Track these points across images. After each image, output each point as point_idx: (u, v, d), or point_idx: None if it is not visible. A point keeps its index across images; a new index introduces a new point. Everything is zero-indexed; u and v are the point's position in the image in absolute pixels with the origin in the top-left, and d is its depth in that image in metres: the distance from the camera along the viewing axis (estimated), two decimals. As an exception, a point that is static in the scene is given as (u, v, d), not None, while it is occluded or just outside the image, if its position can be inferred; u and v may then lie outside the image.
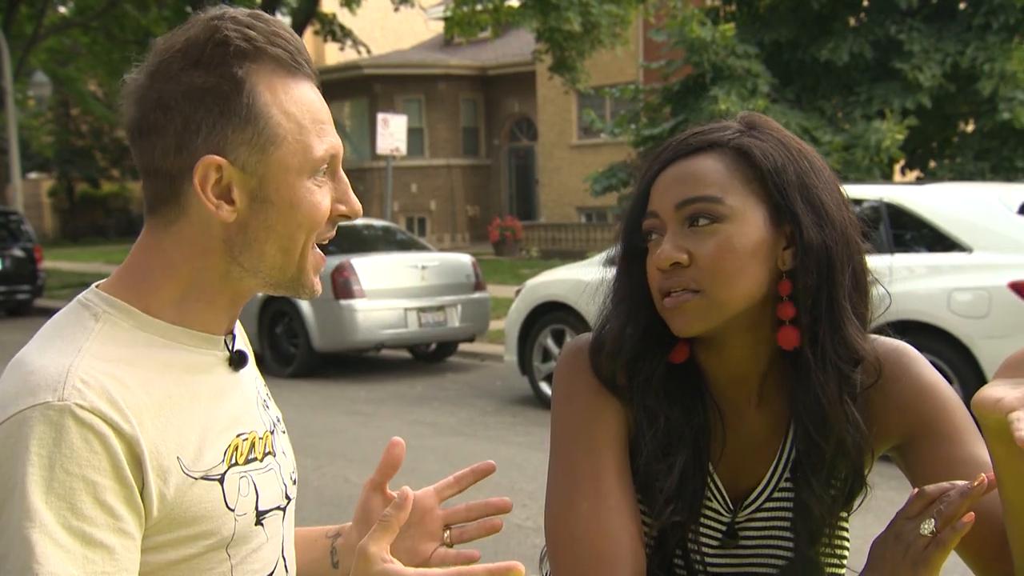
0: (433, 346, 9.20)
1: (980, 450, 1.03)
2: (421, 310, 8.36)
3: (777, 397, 1.08)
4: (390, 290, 8.19)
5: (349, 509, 4.45)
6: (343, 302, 7.99)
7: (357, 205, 0.98)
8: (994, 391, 0.87)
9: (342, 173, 0.98)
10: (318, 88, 0.98)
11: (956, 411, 1.06)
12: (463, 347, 9.34)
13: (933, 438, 1.05)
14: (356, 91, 22.19)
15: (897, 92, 11.26)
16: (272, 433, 1.04)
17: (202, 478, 0.92)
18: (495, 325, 9.56)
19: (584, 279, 6.84)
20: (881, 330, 1.11)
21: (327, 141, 0.95)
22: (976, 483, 0.93)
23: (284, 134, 0.93)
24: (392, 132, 11.82)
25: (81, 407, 0.85)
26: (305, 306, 8.12)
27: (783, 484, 1.08)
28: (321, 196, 0.95)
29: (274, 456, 1.03)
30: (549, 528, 1.03)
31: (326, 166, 0.95)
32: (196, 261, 0.96)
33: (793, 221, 1.02)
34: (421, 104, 23.13)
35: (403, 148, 12.08)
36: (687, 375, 1.08)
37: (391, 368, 8.85)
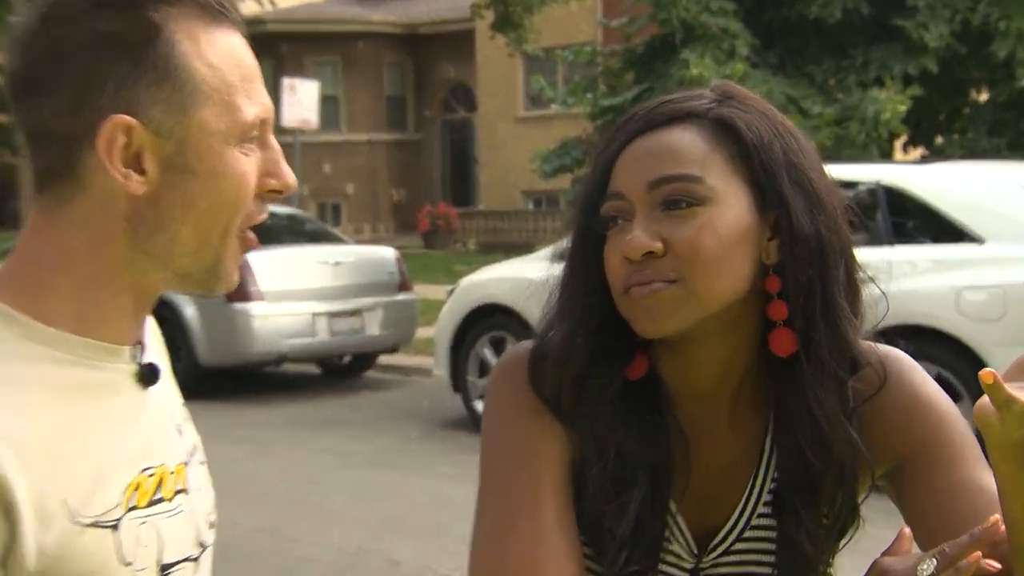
0: (347, 359, 9.18)
1: (984, 476, 1.05)
2: (333, 315, 8.33)
3: (752, 414, 1.10)
4: (295, 291, 8.15)
5: (237, 560, 4.35)
6: (236, 306, 7.93)
7: (291, 179, 0.98)
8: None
9: (274, 141, 0.98)
10: (246, 40, 0.98)
11: (957, 430, 1.08)
12: (383, 359, 9.33)
13: (929, 462, 1.06)
14: (258, 51, 21.49)
15: (898, 55, 11.47)
16: (187, 465, 1.02)
17: (92, 525, 0.89)
18: (423, 333, 9.53)
19: (530, 277, 6.70)
20: (872, 337, 1.12)
21: (258, 103, 0.95)
22: (989, 524, 0.93)
23: (209, 92, 0.92)
24: (301, 101, 11.75)
25: None
26: (189, 311, 8.02)
27: (757, 521, 1.09)
28: (250, 168, 0.95)
29: (187, 494, 1.01)
30: (473, 574, 1.04)
31: (256, 132, 0.95)
32: (97, 249, 0.93)
33: (781, 206, 1.03)
34: (337, 68, 23.03)
35: (314, 120, 11.98)
36: (646, 393, 1.09)
37: (295, 386, 8.85)
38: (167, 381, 1.04)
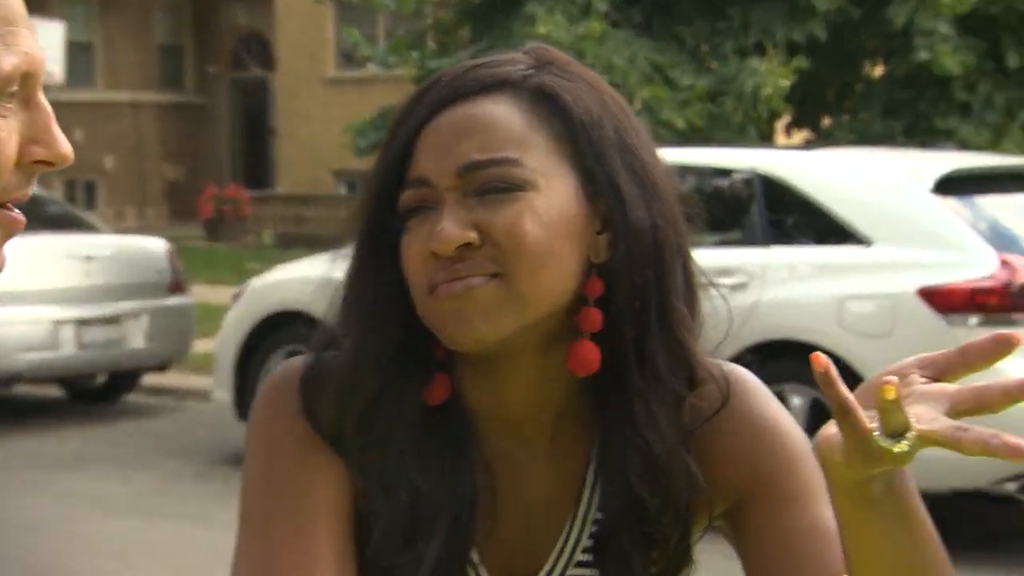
0: (101, 379, 9.02)
1: (831, 514, 1.09)
2: (82, 323, 8.19)
3: (574, 446, 1.13)
4: (31, 292, 7.94)
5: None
6: (-47, 311, 7.76)
7: (64, 148, 0.97)
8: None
9: (44, 101, 0.97)
10: None
11: (807, 463, 1.12)
12: (149, 380, 9.19)
13: (775, 500, 1.11)
14: (-12, -19, 21.31)
15: (782, 18, 11.95)
16: None
17: None
18: (201, 346, 9.36)
19: (338, 278, 6.83)
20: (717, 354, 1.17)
21: (17, 51, 0.94)
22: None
23: None
24: (42, 47, 11.35)
25: None
26: None
27: (574, 571, 1.12)
28: (6, 132, 0.93)
29: None
30: None
31: (15, 88, 0.94)
32: None
33: (614, 195, 1.07)
34: (91, 7, 22.40)
35: (58, 72, 11.58)
36: (447, 423, 1.10)
37: (31, 414, 8.67)
38: None
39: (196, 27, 23.86)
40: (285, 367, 1.12)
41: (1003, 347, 0.92)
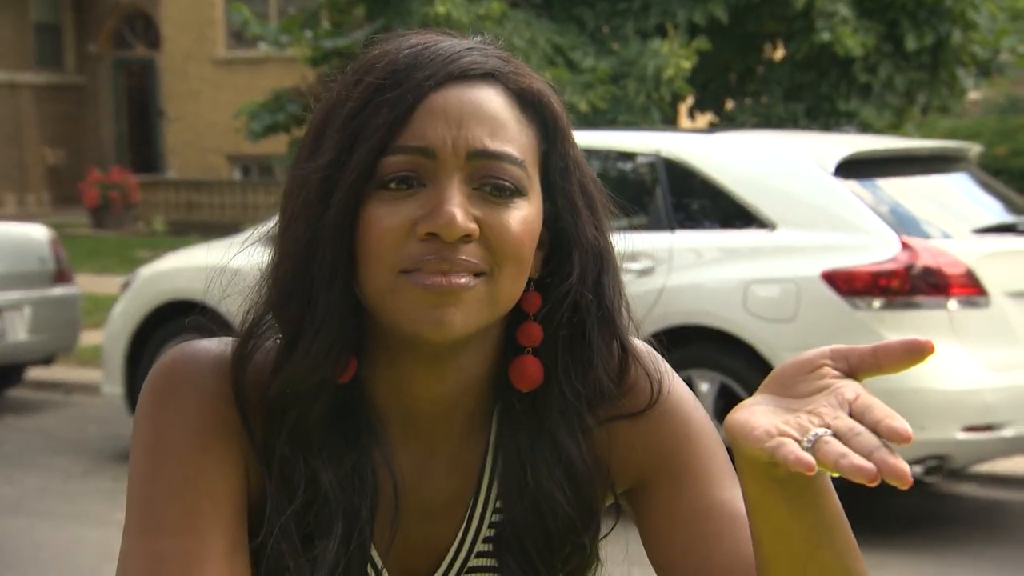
0: None
1: (738, 499, 1.12)
2: (-40, 317, 8.05)
3: (469, 440, 1.14)
4: None
5: None
6: None
7: None
8: (751, 416, 0.95)
9: None
10: None
11: (708, 444, 1.16)
12: (34, 374, 9.07)
13: (675, 481, 1.14)
14: None
15: (683, 1, 12.09)
16: None
17: None
18: (89, 338, 9.27)
19: (235, 266, 6.77)
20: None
21: None
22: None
23: None
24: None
25: None
26: None
27: (475, 561, 1.14)
28: None
29: None
30: None
31: None
32: None
33: (568, 209, 1.09)
34: (-33, -17, 21.82)
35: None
36: (351, 415, 1.10)
37: None
38: None
39: (75, 4, 23.36)
40: (174, 354, 1.10)
41: (915, 353, 0.94)
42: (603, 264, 1.10)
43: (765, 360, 5.43)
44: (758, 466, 0.96)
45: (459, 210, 1.01)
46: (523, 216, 1.04)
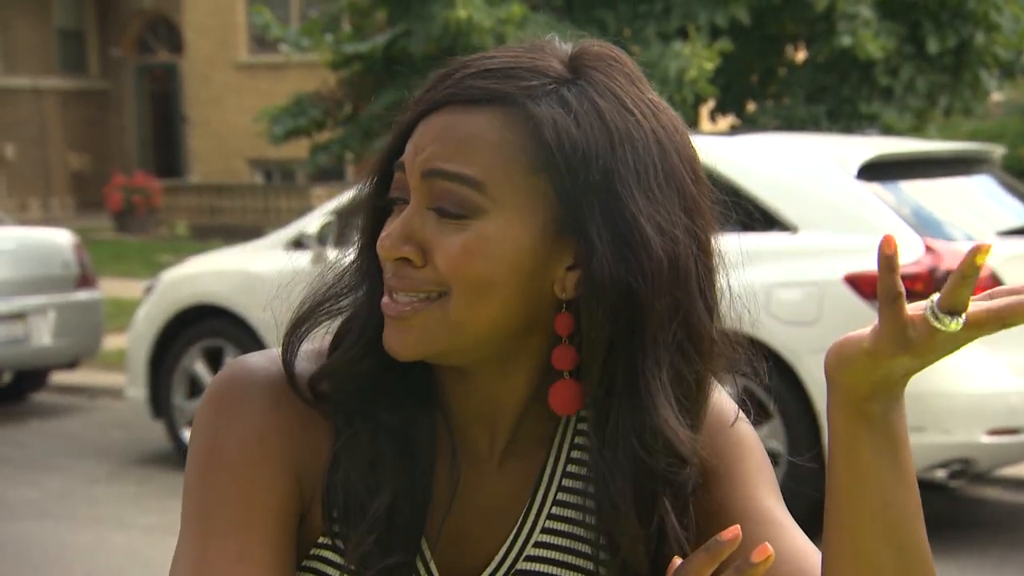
0: (7, 377, 8.96)
1: (775, 507, 1.16)
2: (-15, 320, 8.16)
3: (530, 446, 1.16)
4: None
5: None
6: None
7: None
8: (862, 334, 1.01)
9: None
10: None
11: (754, 451, 1.19)
12: (58, 378, 9.16)
13: (724, 484, 1.16)
14: None
15: (705, 2, 12.08)
16: None
17: None
18: (112, 343, 9.34)
19: (257, 270, 6.86)
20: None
21: None
22: (728, 536, 1.03)
23: None
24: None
25: None
26: None
27: (521, 567, 1.15)
28: None
29: None
30: None
31: None
32: None
33: (582, 241, 1.05)
34: (-9, -11, 22.01)
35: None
36: (414, 387, 1.13)
37: None
38: None
39: (98, 9, 23.52)
40: (231, 367, 1.14)
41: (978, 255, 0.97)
42: (633, 305, 1.04)
43: (787, 362, 5.41)
44: (853, 402, 1.01)
45: (395, 230, 1.06)
46: (474, 239, 1.04)
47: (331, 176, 18.23)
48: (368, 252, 1.11)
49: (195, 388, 6.98)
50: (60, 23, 23.13)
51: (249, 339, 6.73)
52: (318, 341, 1.15)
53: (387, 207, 1.10)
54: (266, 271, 6.77)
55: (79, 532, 5.78)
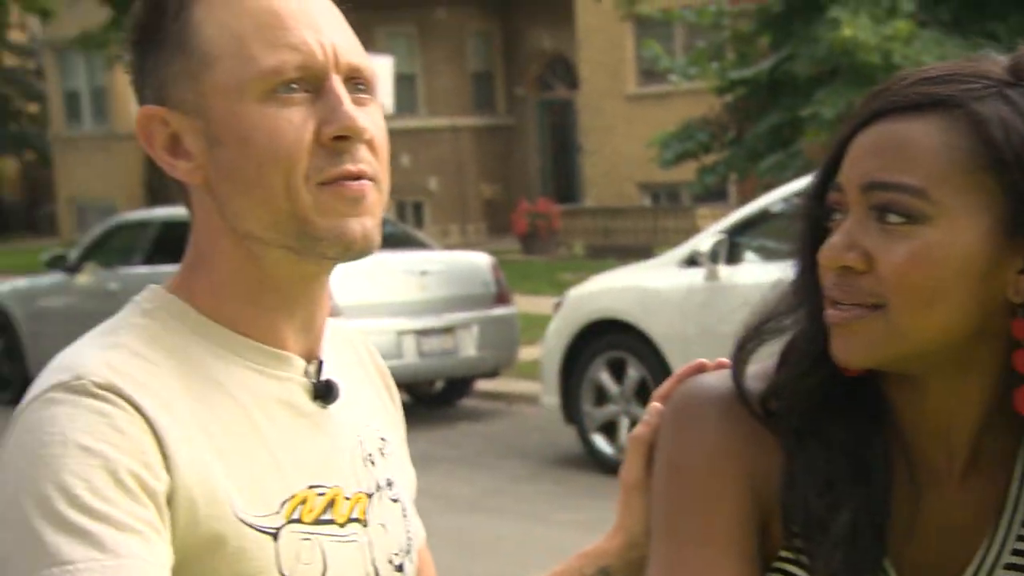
0: (439, 384, 9.32)
1: None
2: (421, 333, 8.47)
3: (993, 461, 1.09)
4: (377, 305, 8.30)
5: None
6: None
7: (349, 120, 1.03)
8: None
9: (333, 85, 1.04)
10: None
11: None
12: (482, 385, 9.46)
13: None
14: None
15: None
16: (370, 497, 1.13)
17: (251, 526, 1.01)
18: (527, 353, 9.58)
19: (653, 287, 6.93)
20: None
21: (284, 48, 1.03)
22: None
23: (217, 52, 1.04)
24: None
25: (98, 384, 0.98)
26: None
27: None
28: (287, 120, 1.03)
29: (364, 526, 1.11)
30: None
31: (295, 81, 1.03)
32: (214, 244, 1.08)
33: None
34: (412, 40, 23.25)
35: (389, 103, 12.12)
36: (864, 405, 1.09)
37: None
38: (366, 406, 1.20)
39: (505, 53, 24.40)
40: (689, 385, 1.14)
41: None
42: None
43: None
44: None
45: (837, 241, 1.02)
46: (922, 245, 0.99)
47: (715, 196, 18.13)
48: (807, 270, 1.08)
49: (601, 396, 7.08)
50: (473, 68, 24.08)
51: (649, 351, 6.77)
52: (764, 361, 1.13)
53: (824, 226, 1.06)
54: (662, 287, 6.82)
55: (508, 525, 5.96)
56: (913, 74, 1.05)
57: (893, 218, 1.00)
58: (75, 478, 0.94)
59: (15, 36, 28.63)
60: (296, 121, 1.02)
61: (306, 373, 1.11)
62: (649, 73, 20.96)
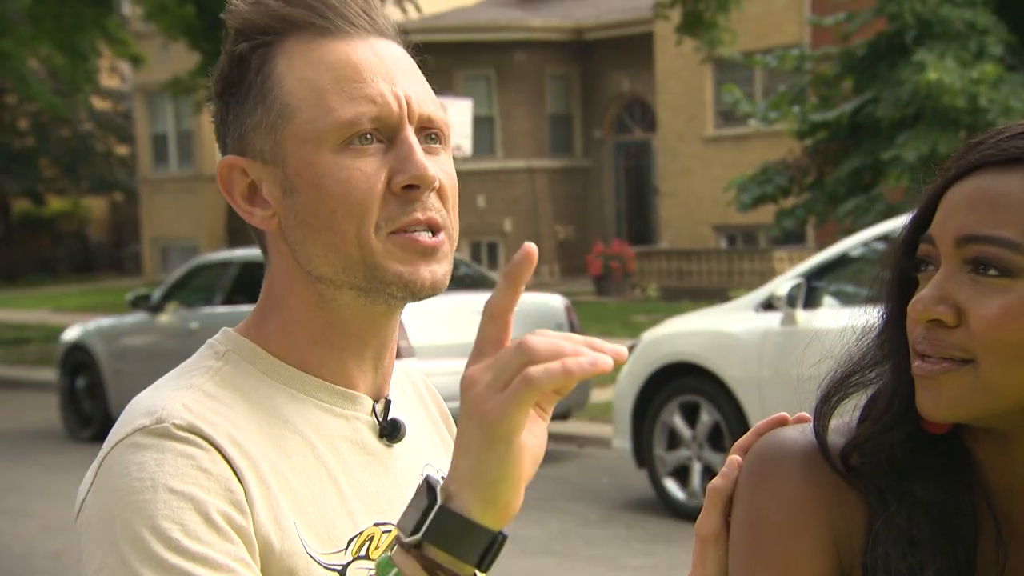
0: None
1: None
2: (493, 375, 8.48)
3: None
4: (450, 346, 8.25)
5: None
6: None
7: (419, 169, 1.07)
8: None
9: (406, 135, 1.09)
10: (393, 45, 1.15)
11: None
12: (554, 427, 9.40)
13: None
14: (399, 65, 22.69)
15: None
16: None
17: (319, 563, 1.06)
18: (599, 396, 9.61)
19: (728, 330, 6.86)
20: None
21: (361, 100, 1.08)
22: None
23: (297, 104, 1.09)
24: (452, 123, 12.04)
25: (179, 427, 1.03)
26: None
27: None
28: (360, 170, 1.07)
29: None
30: None
31: (370, 132, 1.08)
32: (288, 287, 1.14)
33: None
34: (491, 82, 23.49)
35: (467, 146, 12.19)
36: (948, 462, 1.08)
37: None
38: (429, 445, 1.24)
39: (583, 96, 24.55)
40: (767, 440, 1.13)
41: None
42: None
43: None
44: None
45: (927, 295, 1.02)
46: (1015, 302, 1.00)
47: (792, 240, 18.00)
48: (893, 323, 1.08)
49: (674, 440, 7.00)
50: (552, 110, 24.30)
51: (723, 396, 6.69)
52: (846, 416, 1.12)
53: (912, 277, 1.07)
54: (738, 331, 6.74)
55: (578, 569, 5.91)
56: (1009, 128, 1.06)
57: (988, 271, 1.01)
58: (168, 522, 0.99)
59: (107, 81, 29.34)
60: (369, 171, 1.07)
61: (373, 412, 1.16)
62: (726, 115, 20.95)
